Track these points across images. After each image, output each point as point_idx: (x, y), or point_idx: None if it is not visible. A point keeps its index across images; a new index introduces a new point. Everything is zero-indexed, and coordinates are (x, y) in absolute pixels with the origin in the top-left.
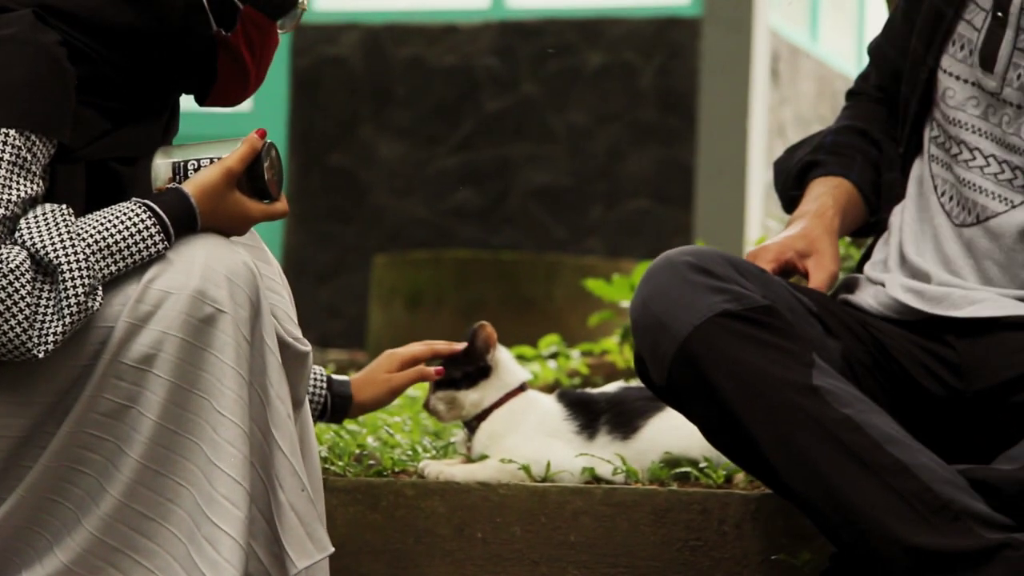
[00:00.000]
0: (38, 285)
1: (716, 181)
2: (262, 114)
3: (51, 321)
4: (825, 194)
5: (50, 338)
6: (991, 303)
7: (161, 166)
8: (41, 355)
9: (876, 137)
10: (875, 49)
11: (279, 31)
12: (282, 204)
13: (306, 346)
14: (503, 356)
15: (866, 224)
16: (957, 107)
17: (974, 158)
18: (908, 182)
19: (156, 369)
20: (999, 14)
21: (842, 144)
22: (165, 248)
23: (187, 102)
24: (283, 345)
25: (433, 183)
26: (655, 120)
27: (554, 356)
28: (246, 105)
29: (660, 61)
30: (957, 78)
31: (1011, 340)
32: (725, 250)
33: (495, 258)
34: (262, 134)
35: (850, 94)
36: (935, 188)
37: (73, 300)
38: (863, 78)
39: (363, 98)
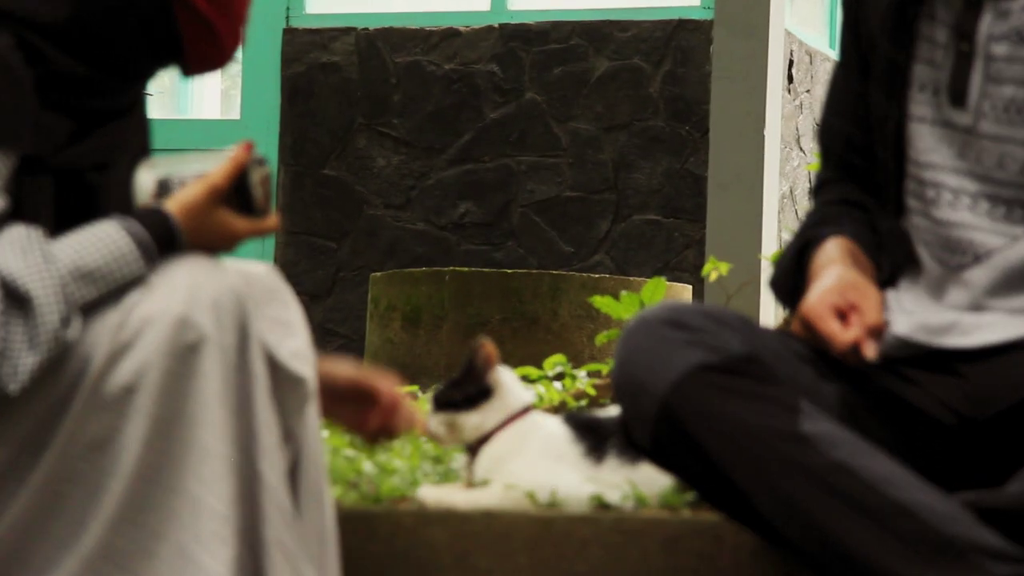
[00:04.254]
0: (11, 316)
1: (729, 193)
2: (252, 123)
3: (24, 354)
4: (833, 252)
5: (21, 372)
6: (1000, 326)
7: (145, 181)
8: (15, 389)
9: (855, 199)
10: (823, 135)
11: None
12: (271, 219)
13: (303, 372)
14: (505, 377)
15: (877, 279)
16: (929, 150)
17: (958, 199)
18: None
19: (138, 399)
20: (963, 47)
21: (824, 216)
22: (145, 271)
23: (167, 111)
24: (277, 368)
25: (432, 195)
26: (665, 129)
27: (560, 377)
28: (234, 112)
29: (669, 67)
30: (922, 120)
31: (1022, 358)
32: (740, 265)
33: (497, 274)
34: (248, 147)
35: (815, 191)
36: (920, 240)
37: (46, 331)
38: (821, 171)
39: (358, 106)
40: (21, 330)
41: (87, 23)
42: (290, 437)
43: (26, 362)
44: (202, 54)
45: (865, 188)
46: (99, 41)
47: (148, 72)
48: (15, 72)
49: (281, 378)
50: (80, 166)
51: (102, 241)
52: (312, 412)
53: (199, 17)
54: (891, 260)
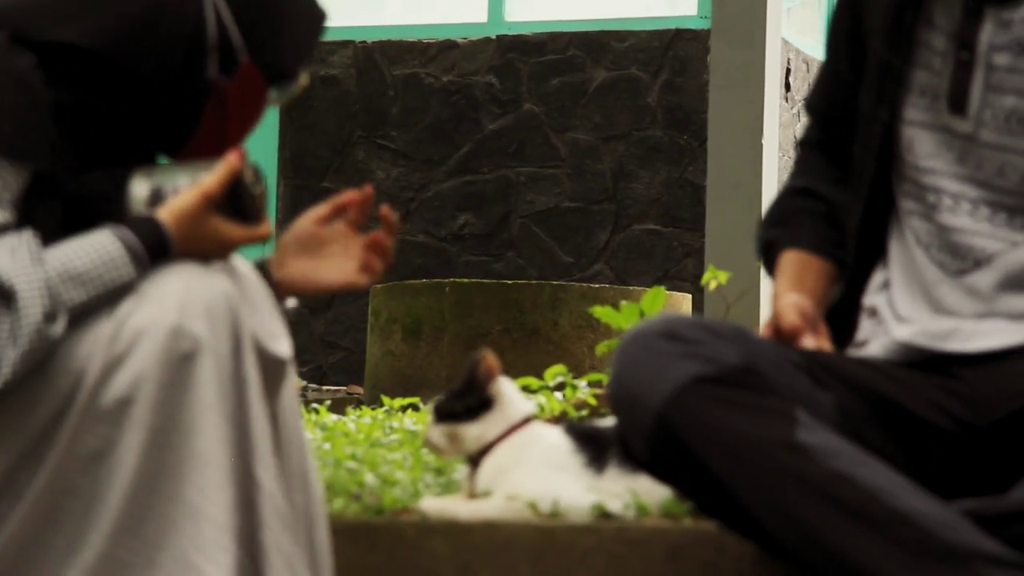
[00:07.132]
0: None
1: (728, 201)
2: (251, 137)
3: (8, 349)
4: (782, 272)
5: (4, 367)
6: (1001, 332)
7: (138, 191)
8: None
9: (821, 192)
10: (809, 106)
11: (269, 101)
12: (265, 226)
13: (284, 353)
14: (506, 388)
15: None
16: (928, 156)
17: (958, 204)
18: (888, 242)
19: (135, 410)
20: (963, 55)
21: (786, 212)
22: (135, 276)
23: None
24: (263, 353)
25: (431, 207)
26: (663, 138)
27: (560, 387)
28: None
29: (667, 76)
30: (922, 126)
31: (1023, 365)
32: (739, 276)
33: (498, 285)
34: (241, 154)
35: (800, 145)
36: (919, 242)
37: (28, 324)
38: (807, 129)
39: (356, 119)
40: (7, 326)
41: (135, 91)
42: (274, 420)
43: (9, 356)
44: (201, 149)
45: (832, 162)
46: (134, 108)
47: (160, 131)
48: (35, 91)
49: (266, 362)
50: (89, 193)
51: (92, 246)
52: (290, 390)
53: (223, 118)
54: (857, 257)
